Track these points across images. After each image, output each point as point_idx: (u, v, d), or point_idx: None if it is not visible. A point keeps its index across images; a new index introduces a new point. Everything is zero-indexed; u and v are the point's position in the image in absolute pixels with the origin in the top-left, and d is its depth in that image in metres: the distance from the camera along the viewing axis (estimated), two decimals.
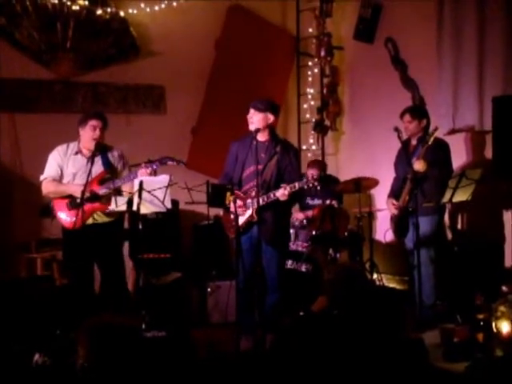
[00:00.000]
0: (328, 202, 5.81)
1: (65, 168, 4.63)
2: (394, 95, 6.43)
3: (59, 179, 4.64)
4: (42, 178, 4.65)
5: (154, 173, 4.55)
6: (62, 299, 4.72)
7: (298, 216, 5.94)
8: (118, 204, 4.36)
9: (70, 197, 4.56)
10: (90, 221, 4.58)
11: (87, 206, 4.51)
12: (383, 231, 5.61)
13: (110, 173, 4.65)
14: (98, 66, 6.37)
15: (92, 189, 4.52)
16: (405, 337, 3.30)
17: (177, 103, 6.76)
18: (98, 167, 4.62)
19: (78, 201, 4.42)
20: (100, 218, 4.61)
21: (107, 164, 4.66)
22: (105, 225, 4.62)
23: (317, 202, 6.09)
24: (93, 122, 4.59)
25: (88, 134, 4.59)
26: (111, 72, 6.45)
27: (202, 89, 6.87)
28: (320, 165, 6.23)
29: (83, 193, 4.34)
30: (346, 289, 3.53)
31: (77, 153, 4.65)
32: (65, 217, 4.57)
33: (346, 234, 5.84)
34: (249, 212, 4.54)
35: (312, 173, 5.98)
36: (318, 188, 5.82)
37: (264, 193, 4.47)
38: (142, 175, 4.46)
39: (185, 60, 6.68)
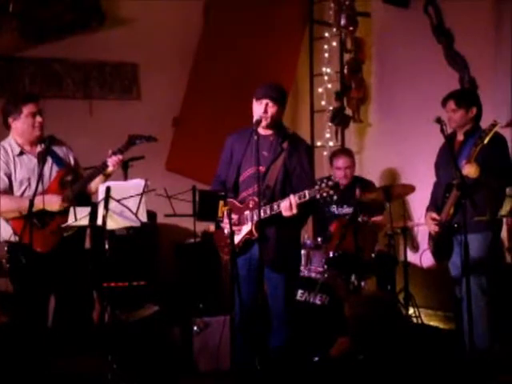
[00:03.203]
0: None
1: (13, 175, 4.60)
2: (436, 76, 6.47)
3: (10, 191, 4.59)
4: None
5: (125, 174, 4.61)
6: (4, 341, 4.73)
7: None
8: (78, 216, 4.37)
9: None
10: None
11: (60, 220, 4.53)
12: (420, 252, 5.63)
13: (68, 171, 4.68)
14: (50, 36, 6.40)
15: (60, 193, 4.55)
16: None
17: (154, 86, 6.79)
18: (50, 167, 4.64)
19: (59, 208, 4.45)
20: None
21: (59, 161, 4.69)
22: (69, 238, 4.63)
23: (346, 210, 6.12)
24: (29, 108, 4.60)
25: (27, 125, 4.59)
26: (68, 45, 6.48)
27: (187, 67, 6.89)
28: (350, 153, 6.30)
29: (31, 204, 4.29)
30: (374, 327, 3.56)
31: (21, 153, 4.63)
32: (35, 240, 4.44)
33: (373, 255, 5.86)
34: (247, 227, 4.55)
35: (340, 166, 6.05)
36: (335, 198, 5.90)
37: (266, 202, 4.46)
38: (113, 165, 4.56)
39: (164, 30, 6.72)
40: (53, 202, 4.52)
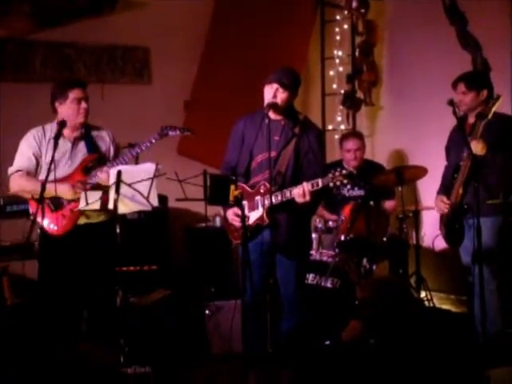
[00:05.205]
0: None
1: (43, 157, 4.63)
2: (449, 58, 6.40)
3: (35, 172, 4.65)
4: (10, 170, 4.67)
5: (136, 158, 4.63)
6: (17, 323, 4.74)
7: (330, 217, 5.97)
8: (89, 201, 4.37)
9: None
10: (80, 220, 4.61)
11: (75, 203, 4.53)
12: (433, 236, 5.61)
13: (97, 157, 4.69)
14: (61, 21, 6.38)
15: (79, 179, 4.56)
16: (466, 375, 3.30)
17: (165, 70, 6.77)
18: (82, 153, 4.68)
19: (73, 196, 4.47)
20: (95, 216, 4.63)
21: (92, 148, 4.71)
22: (99, 225, 4.65)
23: (357, 192, 6.10)
24: (75, 94, 4.62)
25: (72, 110, 4.62)
26: (79, 29, 6.45)
27: (198, 51, 6.86)
28: (359, 136, 6.29)
29: (43, 188, 4.30)
30: (386, 311, 3.54)
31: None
32: (48, 222, 4.57)
33: (384, 239, 5.84)
34: (257, 213, 4.53)
35: (349, 147, 6.05)
36: (348, 186, 5.90)
37: (278, 188, 4.42)
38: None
39: (175, 13, 6.68)
40: (66, 191, 4.53)
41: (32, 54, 6.39)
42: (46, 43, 6.42)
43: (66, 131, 4.64)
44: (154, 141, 4.62)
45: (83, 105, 4.62)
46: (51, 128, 4.68)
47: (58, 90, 4.67)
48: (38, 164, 4.65)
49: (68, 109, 4.62)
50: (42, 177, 4.60)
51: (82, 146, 4.69)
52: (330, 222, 5.93)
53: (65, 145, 4.65)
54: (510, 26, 5.97)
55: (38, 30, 6.32)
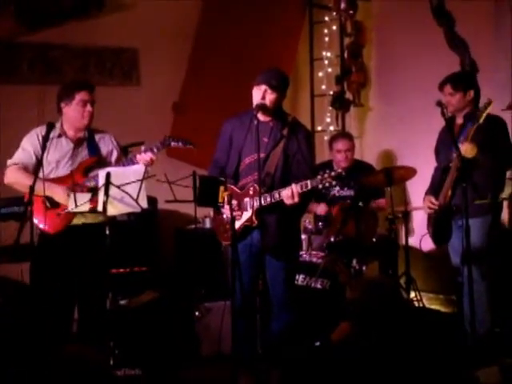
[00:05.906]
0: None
1: (44, 155, 4.59)
2: (437, 59, 6.43)
3: (32, 169, 4.62)
4: (9, 162, 4.67)
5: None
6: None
7: (319, 210, 5.98)
8: (78, 202, 4.36)
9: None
10: (78, 220, 4.60)
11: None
12: (420, 237, 5.63)
13: (98, 160, 4.68)
14: (48, 22, 6.36)
15: (77, 182, 4.53)
16: (455, 376, 3.32)
17: (153, 71, 6.76)
18: (83, 155, 4.68)
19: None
20: (92, 217, 4.61)
21: (94, 150, 4.71)
22: (97, 226, 4.61)
23: (347, 192, 6.11)
24: (82, 96, 4.61)
25: (77, 112, 4.61)
26: (66, 31, 6.43)
27: (187, 52, 6.86)
28: (349, 136, 6.31)
29: (32, 188, 4.31)
30: (376, 311, 3.56)
31: (60, 135, 4.66)
32: (38, 220, 4.55)
33: (374, 240, 5.86)
34: (246, 214, 4.54)
35: (340, 148, 6.07)
36: (337, 188, 5.91)
37: (267, 190, 4.43)
38: (141, 162, 4.51)
39: (164, 14, 6.68)
40: (59, 194, 4.51)
41: (19, 56, 6.37)
42: (33, 46, 6.39)
43: (69, 132, 4.66)
44: (156, 150, 4.56)
45: (88, 108, 4.61)
46: (55, 127, 4.66)
47: (64, 90, 4.66)
48: (37, 162, 4.61)
49: (73, 110, 4.62)
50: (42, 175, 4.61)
51: (83, 147, 4.68)
52: (320, 223, 5.94)
53: (67, 145, 4.66)
54: (494, 28, 5.99)
55: (24, 32, 6.30)
